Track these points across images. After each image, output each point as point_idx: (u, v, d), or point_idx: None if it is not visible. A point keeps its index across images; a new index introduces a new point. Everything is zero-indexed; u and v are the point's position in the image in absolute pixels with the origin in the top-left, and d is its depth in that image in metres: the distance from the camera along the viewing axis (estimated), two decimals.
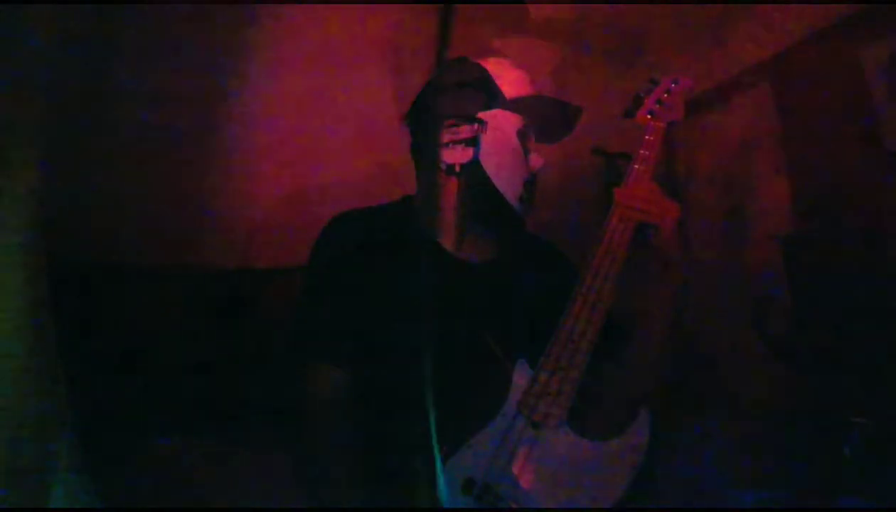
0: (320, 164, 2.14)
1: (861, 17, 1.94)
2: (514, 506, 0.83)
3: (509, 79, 1.08)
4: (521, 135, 1.07)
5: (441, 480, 0.85)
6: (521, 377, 0.92)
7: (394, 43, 2.31)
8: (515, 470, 0.85)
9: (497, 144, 1.05)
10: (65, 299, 0.97)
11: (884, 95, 1.86)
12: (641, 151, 1.05)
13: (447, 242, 1.10)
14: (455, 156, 1.05)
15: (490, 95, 1.06)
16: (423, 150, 1.11)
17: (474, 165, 1.05)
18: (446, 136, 1.05)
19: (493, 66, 1.09)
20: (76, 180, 1.56)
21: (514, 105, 1.06)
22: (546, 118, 1.10)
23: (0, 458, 0.82)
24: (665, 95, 1.11)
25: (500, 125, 1.05)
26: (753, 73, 2.36)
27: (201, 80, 1.91)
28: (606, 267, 0.96)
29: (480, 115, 1.05)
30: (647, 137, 1.07)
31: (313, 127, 2.15)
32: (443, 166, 1.06)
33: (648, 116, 1.09)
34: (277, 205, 2.03)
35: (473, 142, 1.04)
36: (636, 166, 1.03)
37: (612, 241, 0.97)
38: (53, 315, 0.92)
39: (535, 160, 1.08)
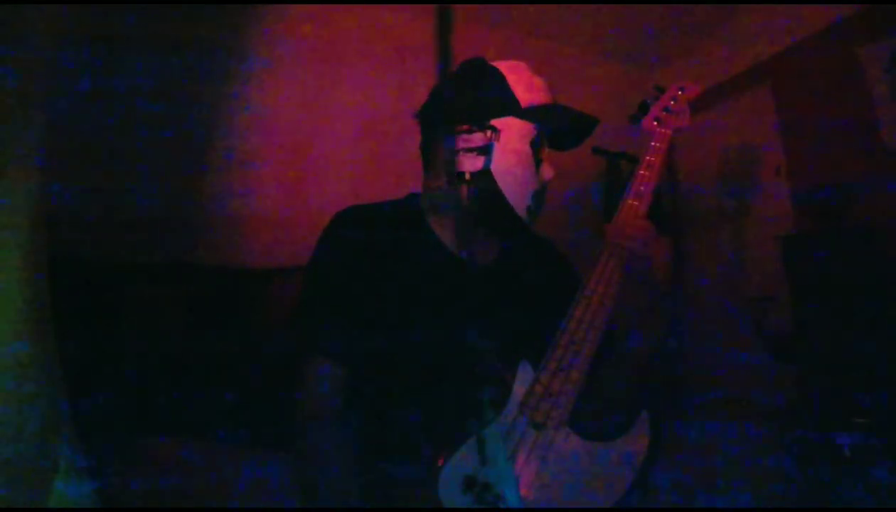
0: (320, 163, 2.14)
1: (861, 17, 1.94)
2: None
3: (526, 85, 1.04)
4: (534, 145, 1.03)
5: (441, 479, 0.84)
6: (523, 378, 0.92)
7: (394, 42, 2.31)
8: (516, 470, 0.85)
9: (509, 154, 1.01)
10: (65, 299, 0.96)
11: (884, 95, 1.86)
12: (647, 158, 1.04)
13: (451, 243, 1.09)
14: (467, 164, 1.01)
15: (505, 102, 1.02)
16: (433, 149, 1.09)
17: (485, 174, 1.01)
18: (459, 143, 1.02)
19: (509, 70, 1.05)
20: (76, 180, 1.56)
21: (529, 113, 1.02)
22: (561, 127, 1.06)
23: (0, 458, 0.81)
24: (671, 103, 1.10)
25: (514, 134, 1.01)
26: (753, 73, 2.37)
27: (201, 81, 1.91)
28: (608, 276, 0.96)
29: (494, 122, 1.01)
30: (653, 144, 1.06)
31: (313, 127, 2.15)
32: (453, 172, 1.04)
33: (655, 123, 1.08)
34: (277, 205, 2.04)
35: (486, 150, 1.01)
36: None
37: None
38: (53, 315, 0.92)
39: (547, 171, 1.05)
